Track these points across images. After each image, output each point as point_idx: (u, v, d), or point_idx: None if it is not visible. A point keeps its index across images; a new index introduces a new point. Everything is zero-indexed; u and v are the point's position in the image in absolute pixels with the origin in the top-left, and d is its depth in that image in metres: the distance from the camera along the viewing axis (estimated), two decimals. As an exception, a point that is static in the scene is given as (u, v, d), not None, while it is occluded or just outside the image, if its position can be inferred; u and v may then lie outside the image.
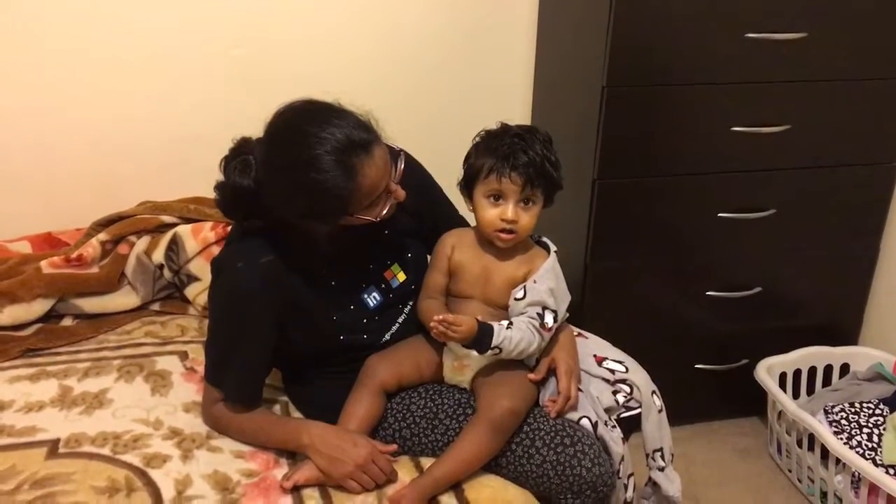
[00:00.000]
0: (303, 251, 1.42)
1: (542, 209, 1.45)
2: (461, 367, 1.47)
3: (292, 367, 1.57)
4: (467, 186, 1.46)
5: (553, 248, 1.51)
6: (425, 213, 1.59)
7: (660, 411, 1.54)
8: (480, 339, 1.37)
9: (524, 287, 1.44)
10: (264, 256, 1.39)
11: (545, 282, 1.44)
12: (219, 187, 1.38)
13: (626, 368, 1.56)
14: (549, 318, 1.43)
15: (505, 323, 1.41)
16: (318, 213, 1.33)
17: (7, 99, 1.99)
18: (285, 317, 1.42)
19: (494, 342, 1.37)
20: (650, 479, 1.57)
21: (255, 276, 1.38)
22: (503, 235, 1.42)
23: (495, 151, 1.40)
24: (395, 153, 1.39)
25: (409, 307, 1.56)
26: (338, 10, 2.11)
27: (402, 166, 1.39)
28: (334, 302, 1.47)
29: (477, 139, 1.47)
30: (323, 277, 1.46)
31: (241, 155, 1.36)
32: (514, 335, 1.39)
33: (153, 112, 2.08)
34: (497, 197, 1.41)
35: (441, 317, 1.34)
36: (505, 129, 1.45)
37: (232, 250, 1.46)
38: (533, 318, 1.42)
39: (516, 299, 1.44)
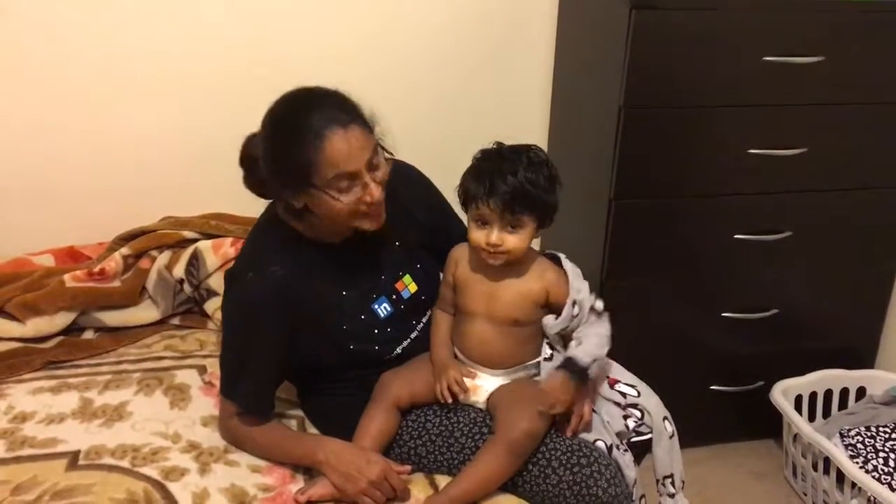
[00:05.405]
0: (314, 259, 1.44)
1: (542, 229, 1.44)
2: (475, 387, 1.48)
3: (307, 382, 1.59)
4: (464, 208, 1.47)
5: (561, 255, 1.50)
6: (438, 228, 1.61)
7: (671, 437, 1.53)
8: (578, 374, 1.41)
9: (574, 302, 1.44)
10: (275, 266, 1.41)
11: (578, 282, 1.47)
12: (241, 163, 1.48)
13: (638, 393, 1.55)
14: (599, 304, 1.47)
15: (573, 344, 1.44)
16: (286, 177, 1.36)
17: (31, 114, 2.03)
18: (296, 326, 1.43)
19: (585, 364, 1.42)
20: (660, 504, 1.57)
21: (265, 286, 1.40)
22: (491, 255, 1.42)
23: (478, 178, 1.39)
24: (378, 148, 1.38)
25: (422, 324, 1.57)
26: (358, 30, 2.14)
27: (385, 166, 1.38)
28: (345, 311, 1.48)
29: (473, 160, 1.45)
30: (334, 287, 1.48)
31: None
32: (588, 347, 1.43)
33: (176, 128, 2.12)
34: (483, 222, 1.41)
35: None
36: (496, 150, 1.44)
37: (243, 260, 1.48)
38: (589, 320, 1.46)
39: (574, 317, 1.45)
